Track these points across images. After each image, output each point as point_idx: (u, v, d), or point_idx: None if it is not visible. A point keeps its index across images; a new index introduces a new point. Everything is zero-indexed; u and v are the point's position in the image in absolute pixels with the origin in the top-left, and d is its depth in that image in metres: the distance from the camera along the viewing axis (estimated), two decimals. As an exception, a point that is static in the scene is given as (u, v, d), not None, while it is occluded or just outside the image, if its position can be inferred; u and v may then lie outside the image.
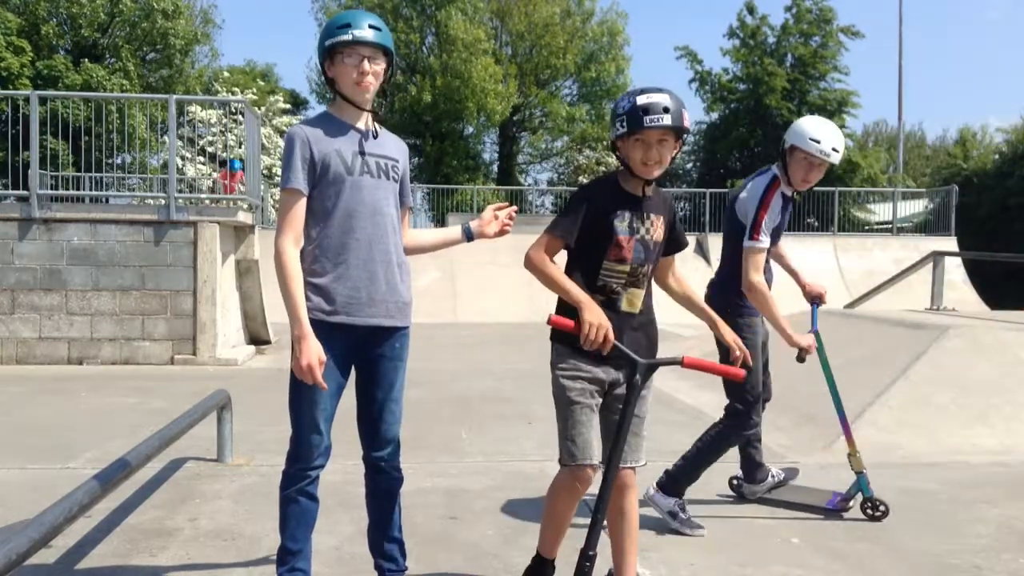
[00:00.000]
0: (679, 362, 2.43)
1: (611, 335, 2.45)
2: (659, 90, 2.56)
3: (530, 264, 2.64)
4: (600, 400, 2.67)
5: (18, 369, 8.57)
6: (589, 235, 2.64)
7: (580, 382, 2.62)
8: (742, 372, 2.56)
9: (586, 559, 2.40)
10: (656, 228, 2.70)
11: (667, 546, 3.50)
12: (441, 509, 3.98)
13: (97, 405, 6.65)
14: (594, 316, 2.45)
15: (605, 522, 2.48)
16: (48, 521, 2.50)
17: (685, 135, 2.63)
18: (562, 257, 2.70)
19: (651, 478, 3.84)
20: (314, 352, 2.54)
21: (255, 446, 5.15)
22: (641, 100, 2.53)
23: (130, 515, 3.82)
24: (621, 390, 2.66)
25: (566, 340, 2.61)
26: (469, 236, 2.98)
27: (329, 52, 2.64)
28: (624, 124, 2.54)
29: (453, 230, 3.02)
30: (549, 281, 2.61)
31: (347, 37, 2.58)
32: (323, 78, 2.74)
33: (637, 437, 2.69)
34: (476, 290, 16.26)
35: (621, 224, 2.64)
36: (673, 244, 2.82)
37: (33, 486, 4.29)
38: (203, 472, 4.61)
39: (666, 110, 2.50)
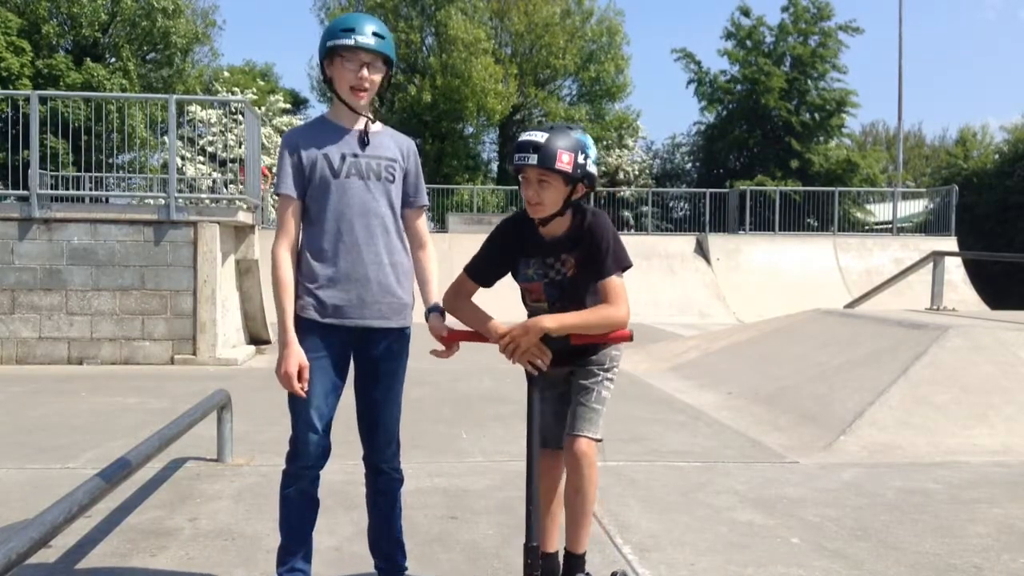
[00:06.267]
0: (567, 342, 2.50)
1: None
2: (548, 128, 2.52)
3: None
4: (555, 392, 2.77)
5: (18, 369, 8.57)
6: (504, 269, 2.74)
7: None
8: (626, 332, 2.57)
9: (528, 552, 2.39)
10: (568, 266, 2.65)
11: (667, 546, 3.50)
12: (441, 509, 3.98)
13: (97, 405, 6.65)
14: (520, 330, 2.50)
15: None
16: (48, 521, 2.50)
17: (581, 180, 2.52)
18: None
19: (651, 476, 3.84)
20: (294, 360, 2.58)
21: (255, 446, 5.15)
22: (520, 138, 2.53)
23: (130, 515, 3.82)
24: (578, 380, 2.73)
25: None
26: (427, 315, 2.73)
27: (329, 52, 2.64)
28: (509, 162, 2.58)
29: (428, 297, 2.78)
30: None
31: (349, 42, 2.58)
32: (323, 76, 2.74)
33: (584, 407, 2.68)
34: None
35: (526, 271, 2.71)
36: (591, 274, 2.62)
37: (33, 486, 4.29)
38: (203, 472, 4.61)
39: (535, 149, 2.45)
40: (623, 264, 2.63)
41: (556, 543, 2.84)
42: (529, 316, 2.70)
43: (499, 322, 2.60)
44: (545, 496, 2.76)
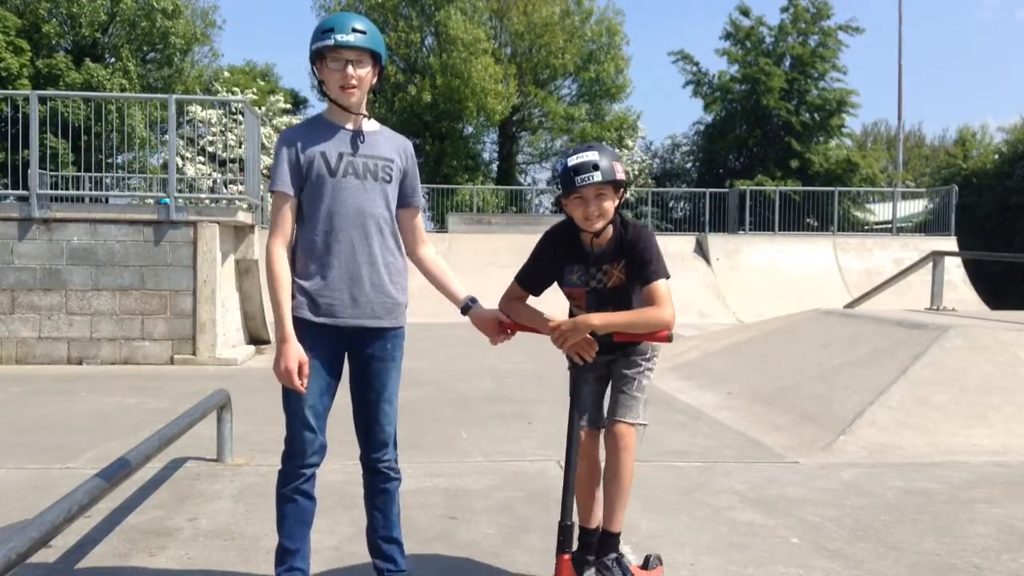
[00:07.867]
0: (610, 337, 2.68)
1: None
2: (588, 148, 2.72)
3: None
4: (595, 374, 2.94)
5: (18, 369, 8.57)
6: (551, 278, 2.92)
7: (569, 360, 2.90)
8: (665, 333, 2.70)
9: (562, 530, 2.56)
10: (611, 276, 2.82)
11: (668, 546, 3.50)
12: (441, 509, 3.98)
13: (97, 405, 6.65)
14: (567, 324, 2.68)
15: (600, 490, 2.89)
16: (48, 521, 2.50)
17: (625, 185, 2.77)
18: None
19: (651, 476, 3.84)
20: (294, 356, 2.57)
21: (255, 446, 5.15)
22: (572, 162, 2.69)
23: (130, 515, 3.82)
24: (620, 369, 2.90)
25: None
26: (465, 310, 2.87)
27: (315, 56, 2.64)
28: (560, 187, 2.72)
29: (458, 292, 2.89)
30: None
31: (330, 42, 2.57)
32: (316, 80, 2.75)
33: (626, 395, 2.86)
34: (477, 290, 16.10)
35: (571, 276, 2.87)
36: (639, 280, 2.77)
37: (33, 486, 4.29)
38: (203, 472, 4.61)
39: (595, 167, 2.65)
40: (666, 272, 2.78)
41: (598, 519, 2.97)
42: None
43: (550, 315, 2.76)
44: (589, 475, 2.94)
